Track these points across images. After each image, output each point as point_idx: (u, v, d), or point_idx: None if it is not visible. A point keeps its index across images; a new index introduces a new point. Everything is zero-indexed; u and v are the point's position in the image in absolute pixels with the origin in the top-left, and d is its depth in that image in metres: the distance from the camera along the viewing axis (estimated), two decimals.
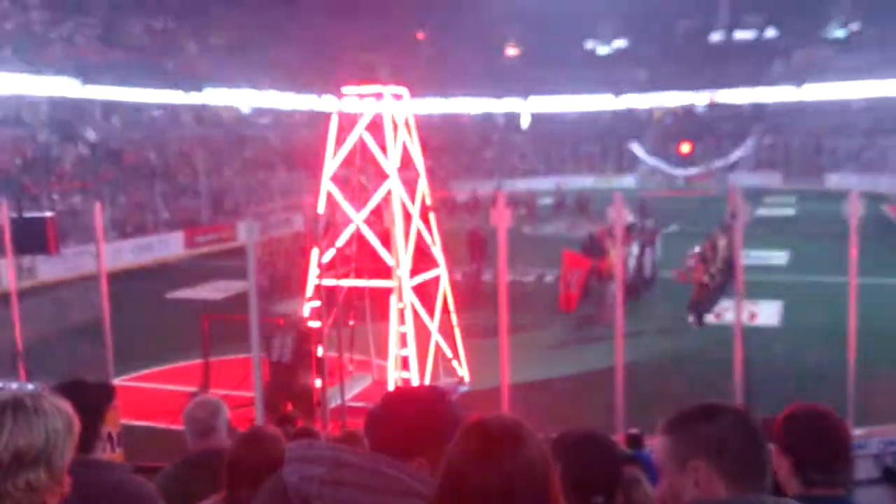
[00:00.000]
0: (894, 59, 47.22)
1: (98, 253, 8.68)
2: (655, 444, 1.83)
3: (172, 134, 36.88)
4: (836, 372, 8.46)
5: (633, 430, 6.63)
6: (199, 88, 38.59)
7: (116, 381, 9.04)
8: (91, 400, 2.60)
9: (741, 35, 57.25)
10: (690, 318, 14.98)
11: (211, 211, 30.27)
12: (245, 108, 43.11)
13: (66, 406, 1.86)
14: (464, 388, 11.36)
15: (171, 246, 26.79)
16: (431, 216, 11.56)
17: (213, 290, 19.75)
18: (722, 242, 16.18)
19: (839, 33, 54.89)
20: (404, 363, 10.46)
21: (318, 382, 9.91)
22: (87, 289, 12.08)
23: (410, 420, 1.81)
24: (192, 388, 11.13)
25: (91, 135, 32.31)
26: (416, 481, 1.70)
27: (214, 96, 39.78)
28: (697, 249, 16.03)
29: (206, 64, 39.82)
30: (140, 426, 9.67)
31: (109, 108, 35.23)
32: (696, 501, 1.70)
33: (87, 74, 32.94)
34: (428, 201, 11.39)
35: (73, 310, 14.83)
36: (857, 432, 7.49)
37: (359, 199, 10.94)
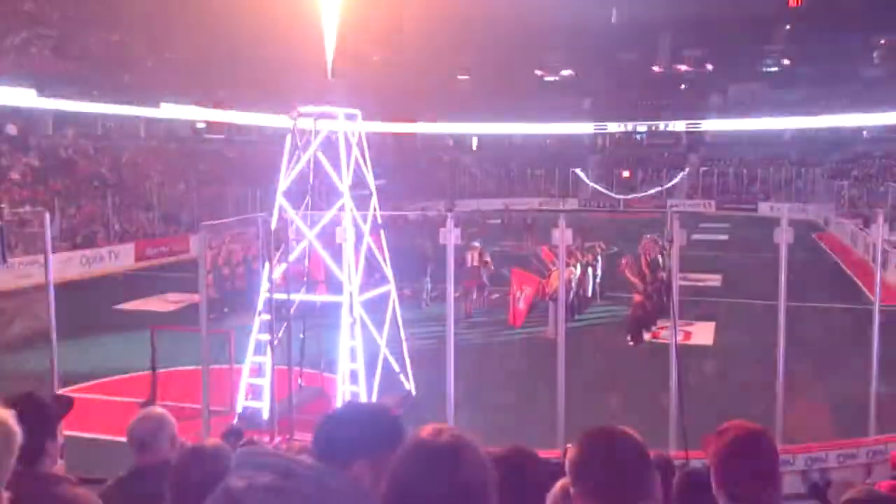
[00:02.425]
0: (823, 95, 49.48)
1: (46, 263, 8.61)
2: None
3: (126, 146, 36.29)
4: (765, 390, 8.88)
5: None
6: (153, 102, 38.07)
7: (61, 393, 8.96)
8: (40, 414, 2.57)
9: (680, 69, 59.20)
10: (629, 337, 15.48)
11: (163, 224, 29.85)
12: (200, 123, 42.69)
13: (6, 419, 1.77)
14: (409, 402, 11.54)
15: (121, 258, 26.36)
16: (382, 234, 11.80)
17: (162, 302, 19.53)
18: (661, 262, 16.82)
19: (772, 69, 57.21)
20: (353, 377, 10.61)
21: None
22: (34, 299, 11.88)
23: (357, 426, 1.85)
24: (139, 400, 11.07)
25: (11, 129, 31.48)
26: (361, 497, 1.71)
27: (169, 110, 39.31)
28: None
29: (161, 78, 39.35)
30: (85, 438, 9.54)
31: (63, 118, 34.48)
32: None
33: (40, 85, 32.24)
34: (378, 219, 11.62)
35: (19, 320, 14.53)
36: (784, 449, 7.92)
37: (311, 215, 11.10)
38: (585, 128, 58.06)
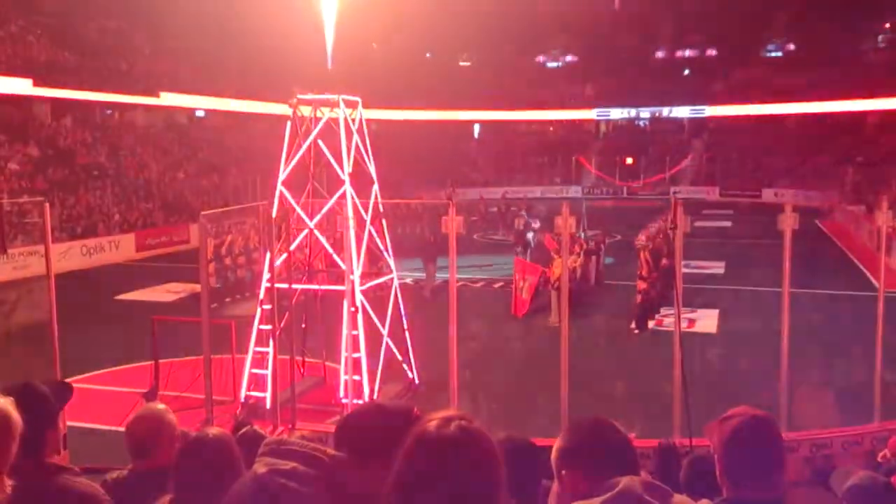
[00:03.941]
0: (826, 80, 49.22)
1: (46, 253, 8.57)
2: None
3: (125, 135, 36.22)
4: (769, 377, 8.84)
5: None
6: (152, 90, 37.98)
7: (61, 381, 8.95)
8: (39, 403, 2.53)
9: (683, 54, 58.90)
10: (633, 324, 15.44)
11: (163, 213, 29.81)
12: (199, 111, 42.56)
13: (5, 407, 1.77)
14: (412, 390, 11.53)
15: (122, 248, 26.34)
16: (383, 222, 11.74)
17: (164, 292, 19.51)
18: (664, 250, 16.78)
19: (775, 54, 56.90)
20: (356, 366, 10.58)
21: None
22: (34, 289, 11.91)
23: (380, 429, 1.85)
24: (142, 390, 11.08)
25: None
26: (379, 486, 1.71)
27: (168, 98, 39.24)
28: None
29: (160, 66, 39.21)
30: (88, 428, 9.56)
31: (61, 107, 34.39)
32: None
33: (38, 73, 32.18)
34: (380, 207, 11.56)
35: (19, 310, 14.55)
36: (789, 436, 7.89)
37: (312, 204, 11.05)
38: (588, 114, 57.85)
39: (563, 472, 1.98)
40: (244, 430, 6.30)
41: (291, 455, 1.78)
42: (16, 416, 1.81)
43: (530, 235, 23.43)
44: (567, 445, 2.03)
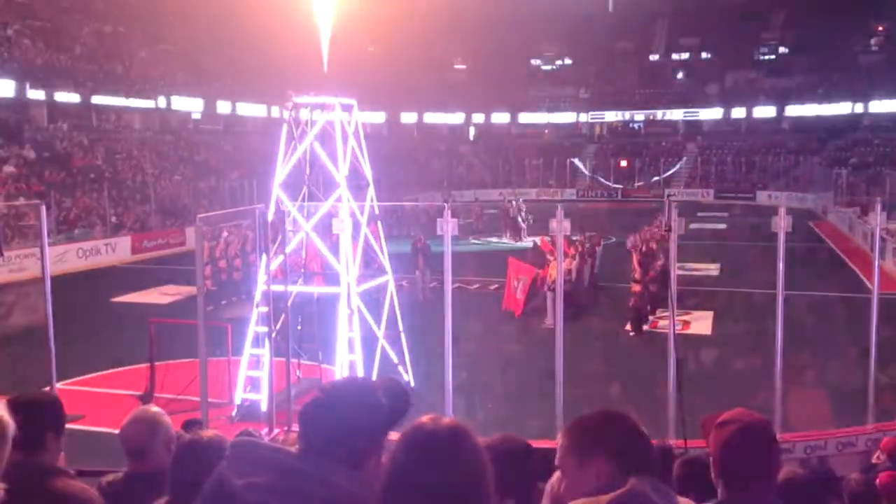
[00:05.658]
0: (820, 82, 49.42)
1: (42, 255, 8.58)
2: (558, 447, 2.03)
3: (121, 138, 36.16)
4: (764, 378, 8.88)
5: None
6: (148, 93, 37.93)
7: (59, 385, 8.94)
8: (43, 408, 2.60)
9: (677, 57, 59.09)
10: (628, 326, 15.47)
11: (159, 216, 29.77)
12: (196, 114, 42.54)
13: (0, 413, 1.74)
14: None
15: (118, 251, 26.25)
16: (379, 225, 11.76)
17: (159, 295, 19.46)
18: (657, 253, 16.83)
19: (769, 57, 57.10)
20: (351, 368, 10.60)
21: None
22: (31, 292, 11.93)
23: (358, 420, 1.73)
24: (137, 393, 11.07)
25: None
26: (362, 490, 1.65)
27: (164, 101, 39.14)
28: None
29: (156, 69, 39.20)
30: (83, 430, 9.54)
31: (57, 111, 34.30)
32: (597, 489, 1.90)
33: (34, 77, 32.08)
34: (376, 210, 11.58)
35: (16, 313, 14.53)
36: (783, 437, 7.92)
37: (308, 206, 11.06)
38: (582, 117, 58.00)
39: (594, 455, 1.95)
40: (242, 432, 6.32)
41: (265, 466, 1.67)
42: (7, 418, 1.80)
43: (520, 219, 26.68)
44: (597, 424, 2.02)
